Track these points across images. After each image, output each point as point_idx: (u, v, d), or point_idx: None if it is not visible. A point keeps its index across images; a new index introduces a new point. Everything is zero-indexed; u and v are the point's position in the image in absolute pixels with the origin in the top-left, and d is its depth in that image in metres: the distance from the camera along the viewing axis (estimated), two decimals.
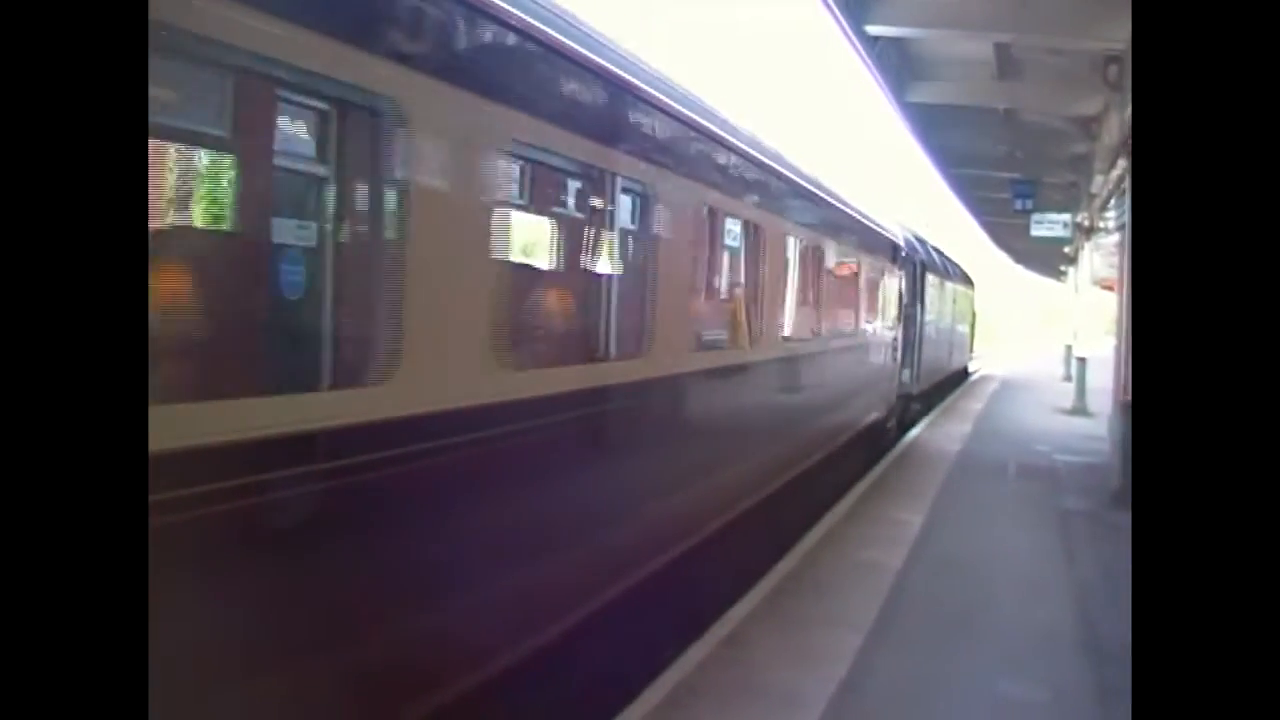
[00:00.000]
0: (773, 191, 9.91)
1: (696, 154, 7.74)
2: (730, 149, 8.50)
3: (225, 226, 4.15)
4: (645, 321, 6.79)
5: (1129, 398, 13.25)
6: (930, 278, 23.81)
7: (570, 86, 5.68)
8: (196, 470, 3.23)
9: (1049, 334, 66.86)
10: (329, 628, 3.92)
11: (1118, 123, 14.38)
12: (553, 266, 6.52)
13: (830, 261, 12.52)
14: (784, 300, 10.46)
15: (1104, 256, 25.44)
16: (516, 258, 5.88)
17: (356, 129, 4.06)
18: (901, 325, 19.01)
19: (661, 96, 6.98)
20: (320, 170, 4.06)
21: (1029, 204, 25.66)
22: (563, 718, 5.73)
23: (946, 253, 30.25)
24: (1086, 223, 23.20)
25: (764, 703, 6.22)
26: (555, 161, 5.95)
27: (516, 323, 5.37)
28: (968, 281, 36.63)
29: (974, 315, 42.04)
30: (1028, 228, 27.39)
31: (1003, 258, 59.87)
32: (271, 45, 3.52)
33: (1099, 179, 19.53)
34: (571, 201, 6.63)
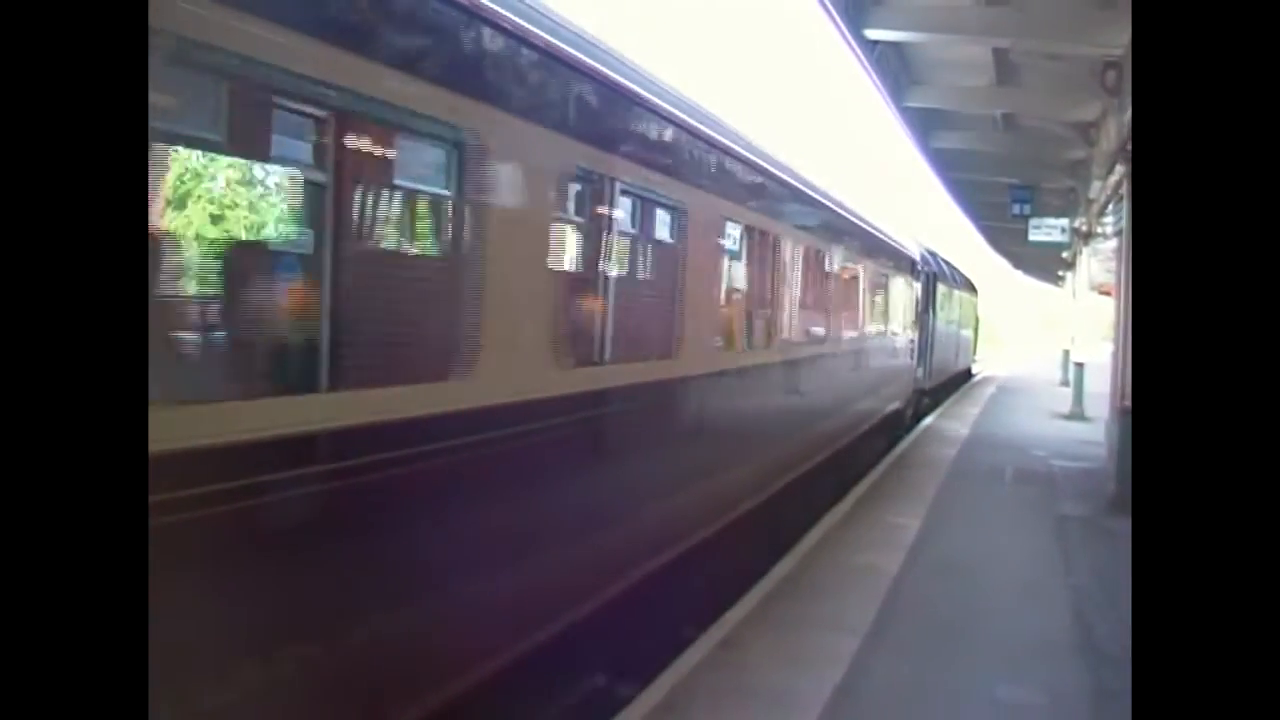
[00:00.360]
0: (830, 225, 13.11)
1: (774, 195, 10.35)
2: (800, 195, 11.53)
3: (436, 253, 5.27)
4: (741, 323, 9.55)
5: (1126, 403, 13.26)
6: (940, 287, 26.53)
7: (628, 121, 6.73)
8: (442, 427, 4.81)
9: (1047, 338, 67.88)
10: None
11: (1115, 128, 14.39)
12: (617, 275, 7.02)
13: (866, 277, 15.71)
14: (840, 309, 13.77)
15: (1101, 262, 25.47)
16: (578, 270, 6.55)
17: (468, 162, 4.95)
18: (917, 329, 21.97)
19: (725, 140, 8.68)
20: (451, 200, 5.02)
21: (1027, 209, 25.68)
22: (660, 626, 7.41)
23: (954, 263, 33.03)
24: (1084, 228, 23.22)
25: (759, 706, 6.23)
26: (617, 187, 6.67)
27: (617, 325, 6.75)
28: (971, 289, 39.43)
29: (977, 320, 45.12)
30: (1026, 233, 27.40)
31: (1001, 263, 59.91)
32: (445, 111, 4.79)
33: (1097, 184, 19.54)
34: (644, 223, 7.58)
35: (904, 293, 20.14)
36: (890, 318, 18.48)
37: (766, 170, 9.92)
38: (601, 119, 6.30)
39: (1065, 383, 29.61)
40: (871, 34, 15.62)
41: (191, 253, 4.44)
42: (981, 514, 12.63)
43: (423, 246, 5.17)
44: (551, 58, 5.59)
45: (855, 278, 14.91)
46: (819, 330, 12.55)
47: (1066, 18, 14.40)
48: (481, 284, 5.05)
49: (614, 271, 6.70)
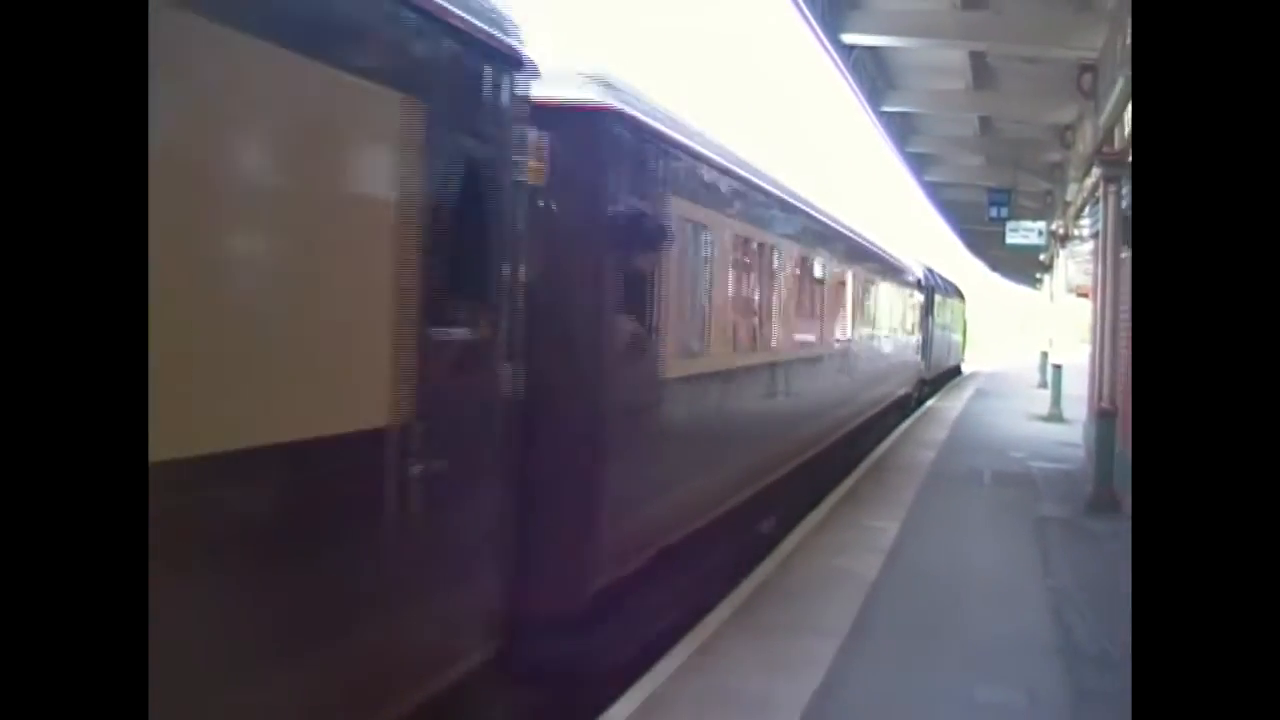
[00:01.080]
0: (869, 258, 18.90)
1: (836, 241, 15.46)
2: (856, 246, 17.33)
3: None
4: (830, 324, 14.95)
5: (1105, 405, 13.32)
6: (937, 297, 33.37)
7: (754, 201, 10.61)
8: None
9: (1025, 341, 68.91)
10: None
11: (1091, 131, 14.46)
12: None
13: (889, 294, 21.85)
14: (874, 318, 19.74)
15: (1079, 264, 25.61)
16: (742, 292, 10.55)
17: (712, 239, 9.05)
18: (921, 332, 28.63)
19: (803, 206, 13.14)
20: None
21: (1004, 212, 25.80)
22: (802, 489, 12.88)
23: (948, 276, 40.95)
24: (1061, 230, 23.34)
25: (739, 711, 6.20)
26: (757, 242, 10.70)
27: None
28: (960, 297, 47.15)
29: (965, 324, 52.98)
30: (1003, 236, 27.53)
31: (979, 265, 60.18)
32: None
33: (1073, 187, 19.65)
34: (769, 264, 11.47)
35: (912, 304, 26.75)
36: (903, 324, 24.65)
37: (837, 230, 15.61)
38: (754, 209, 10.63)
39: (1043, 384, 29.74)
40: (848, 39, 15.66)
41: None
42: (960, 516, 12.66)
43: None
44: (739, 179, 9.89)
45: (883, 295, 20.85)
46: (867, 330, 18.63)
47: (1043, 21, 14.48)
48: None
49: (776, 298, 11.50)
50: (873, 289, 19.22)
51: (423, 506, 4.33)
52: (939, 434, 21.07)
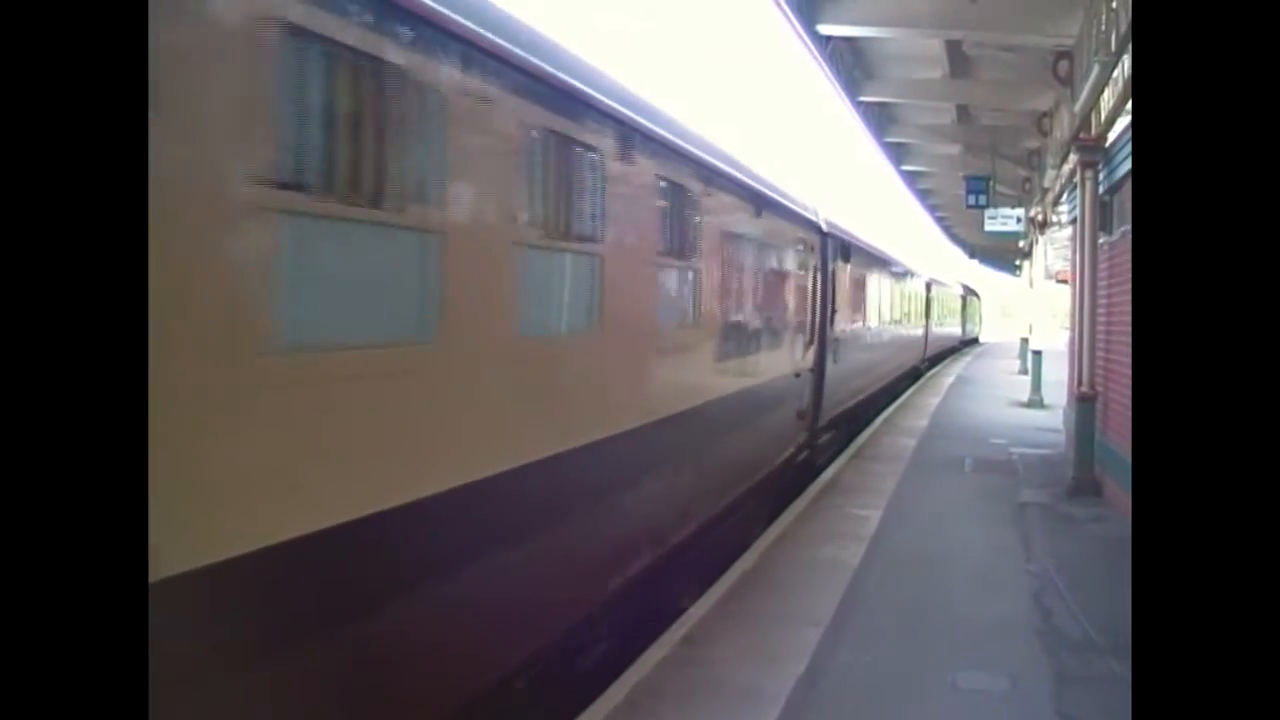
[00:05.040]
0: (950, 288, 46.00)
1: (895, 266, 25.50)
2: (901, 266, 27.25)
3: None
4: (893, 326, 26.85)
5: (1084, 390, 13.39)
6: (969, 297, 60.82)
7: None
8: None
9: (1005, 327, 74.26)
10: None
11: (1068, 117, 14.51)
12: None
13: (952, 299, 48.73)
14: (948, 318, 45.26)
15: (1057, 250, 25.73)
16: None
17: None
18: (962, 320, 55.58)
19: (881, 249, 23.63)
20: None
21: (983, 199, 25.90)
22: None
23: (969, 283, 64.31)
24: (1040, 217, 23.43)
25: (724, 699, 6.23)
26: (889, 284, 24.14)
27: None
28: (977, 295, 72.72)
29: (980, 313, 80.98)
30: (982, 223, 27.63)
31: (957, 252, 60.53)
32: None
33: (1051, 173, 19.73)
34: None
35: (960, 304, 54.73)
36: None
37: (908, 268, 28.90)
38: (883, 269, 23.35)
39: (1024, 371, 29.87)
40: (825, 29, 15.68)
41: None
42: (942, 503, 12.71)
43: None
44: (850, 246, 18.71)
45: (950, 301, 46.17)
46: (940, 317, 39.64)
47: (1018, 8, 14.51)
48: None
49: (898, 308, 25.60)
50: (946, 297, 44.22)
51: (810, 391, 13.97)
52: (919, 422, 21.15)
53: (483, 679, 5.28)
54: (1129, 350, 8.65)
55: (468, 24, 4.74)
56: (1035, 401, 24.70)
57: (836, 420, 16.77)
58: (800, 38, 15.27)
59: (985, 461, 15.99)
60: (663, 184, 7.66)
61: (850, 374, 17.46)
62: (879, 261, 21.50)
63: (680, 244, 8.12)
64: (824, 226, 14.51)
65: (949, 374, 36.44)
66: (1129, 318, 9.64)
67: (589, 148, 6.18)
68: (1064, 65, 14.14)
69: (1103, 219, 13.57)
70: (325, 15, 3.78)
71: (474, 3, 4.91)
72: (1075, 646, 7.33)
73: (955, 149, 26.84)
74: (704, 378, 8.96)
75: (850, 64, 19.03)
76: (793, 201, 12.73)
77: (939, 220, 47.23)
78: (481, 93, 4.90)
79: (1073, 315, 16.38)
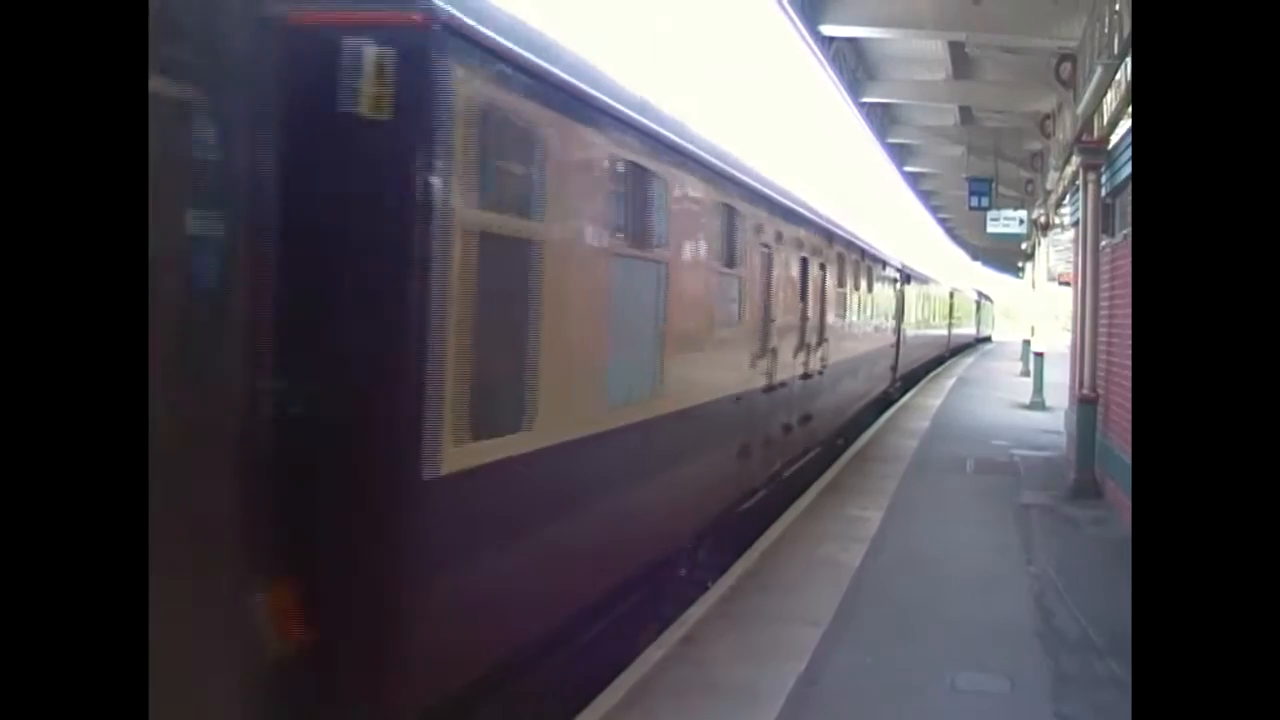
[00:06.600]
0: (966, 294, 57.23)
1: (933, 285, 37.04)
2: (937, 284, 38.90)
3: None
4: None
5: (1086, 392, 13.38)
6: (984, 303, 74.15)
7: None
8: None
9: (1008, 328, 78.15)
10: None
11: (1071, 119, 14.50)
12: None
13: (972, 304, 64.07)
14: (969, 320, 60.25)
15: (1060, 252, 25.70)
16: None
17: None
18: (977, 322, 69.24)
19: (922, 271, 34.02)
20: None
21: (985, 201, 25.86)
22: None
23: (985, 290, 75.58)
24: (1042, 219, 23.41)
25: (723, 699, 6.23)
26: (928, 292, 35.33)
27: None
28: (990, 300, 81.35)
29: (993, 316, 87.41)
30: (985, 224, 27.60)
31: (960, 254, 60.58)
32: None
33: (1053, 175, 19.71)
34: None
35: (975, 308, 66.16)
36: (971, 319, 55.94)
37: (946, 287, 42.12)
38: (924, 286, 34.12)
39: (1026, 373, 29.85)
40: (827, 30, 15.67)
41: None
42: (943, 504, 12.70)
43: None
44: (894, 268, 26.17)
45: (971, 306, 61.84)
46: (961, 319, 53.10)
47: (1021, 10, 14.50)
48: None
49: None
50: (963, 302, 53.53)
51: (895, 356, 24.47)
52: (921, 423, 21.15)
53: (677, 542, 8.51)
54: (1130, 353, 8.64)
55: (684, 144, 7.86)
56: (1037, 403, 24.69)
57: (904, 376, 27.06)
58: (803, 38, 15.27)
59: (986, 463, 15.98)
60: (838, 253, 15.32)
61: (908, 350, 27.45)
62: (926, 281, 32.99)
63: (865, 282, 18.33)
64: (900, 266, 24.51)
65: (950, 375, 36.45)
66: (1131, 320, 9.62)
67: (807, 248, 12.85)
68: (1066, 67, 14.11)
69: (1105, 221, 13.56)
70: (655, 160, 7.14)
71: (680, 129, 7.83)
72: (1073, 647, 7.33)
73: (958, 150, 26.81)
74: (865, 343, 18.70)
75: (853, 65, 19.02)
76: (888, 257, 22.09)
77: (942, 222, 47.24)
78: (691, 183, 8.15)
79: (1074, 317, 16.36)
